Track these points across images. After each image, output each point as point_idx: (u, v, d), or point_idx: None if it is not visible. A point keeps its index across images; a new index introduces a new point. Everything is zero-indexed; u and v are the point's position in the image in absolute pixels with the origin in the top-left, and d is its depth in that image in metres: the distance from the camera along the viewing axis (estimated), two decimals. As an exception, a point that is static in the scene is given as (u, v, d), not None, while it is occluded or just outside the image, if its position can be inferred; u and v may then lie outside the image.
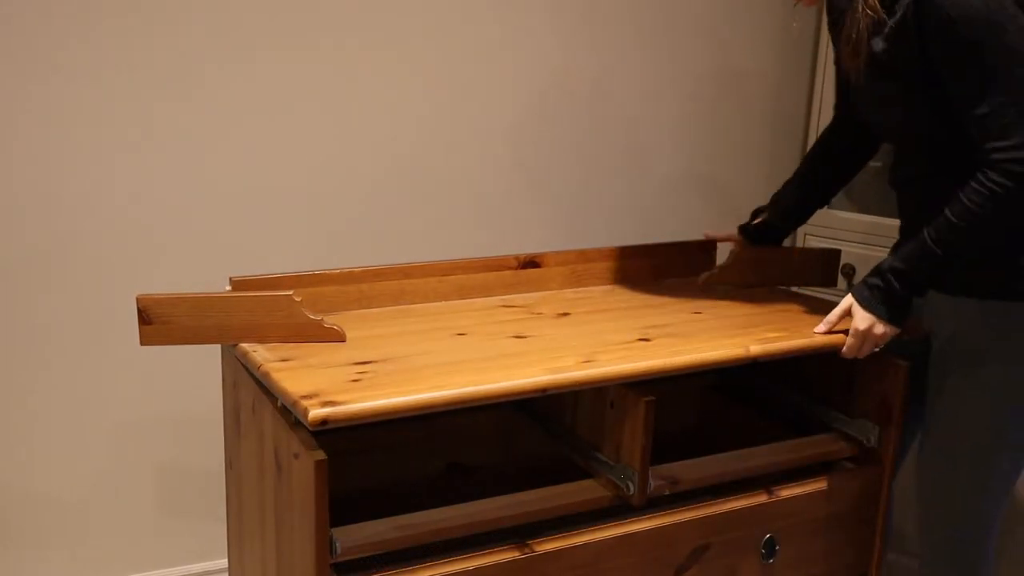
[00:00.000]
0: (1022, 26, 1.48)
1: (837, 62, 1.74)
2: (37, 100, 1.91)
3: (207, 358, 1.74)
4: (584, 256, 1.88)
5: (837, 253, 1.98)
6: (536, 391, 1.35)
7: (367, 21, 2.16)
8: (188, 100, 2.03)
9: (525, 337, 1.55)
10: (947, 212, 1.54)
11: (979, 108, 1.50)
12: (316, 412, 1.21)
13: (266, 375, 1.36)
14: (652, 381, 1.45)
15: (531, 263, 1.82)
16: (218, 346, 1.63)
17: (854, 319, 1.60)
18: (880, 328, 1.58)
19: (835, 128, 1.94)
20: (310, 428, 1.22)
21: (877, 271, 1.60)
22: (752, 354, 1.51)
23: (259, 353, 1.45)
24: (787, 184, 1.98)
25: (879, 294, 1.59)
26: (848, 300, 1.62)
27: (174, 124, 2.03)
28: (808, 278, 1.96)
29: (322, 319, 1.50)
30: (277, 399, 1.37)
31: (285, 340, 1.49)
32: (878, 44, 1.57)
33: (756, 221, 1.98)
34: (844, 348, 1.60)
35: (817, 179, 1.95)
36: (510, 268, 1.80)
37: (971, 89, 1.51)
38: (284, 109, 2.12)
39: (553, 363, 1.41)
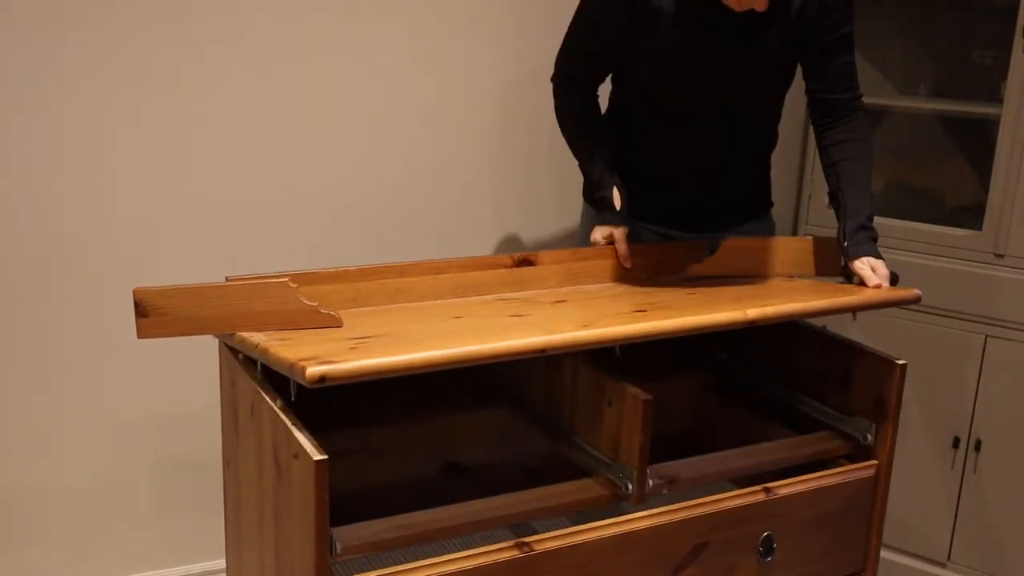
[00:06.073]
0: None
1: (614, 49, 1.90)
2: (32, 97, 1.92)
3: (206, 357, 1.74)
4: (578, 255, 1.88)
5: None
6: (534, 351, 1.34)
7: (365, 19, 2.17)
8: (185, 98, 2.03)
9: (522, 316, 1.56)
10: (860, 156, 1.89)
11: (846, 58, 1.89)
12: (314, 369, 1.20)
13: (264, 351, 1.36)
14: (650, 379, 1.45)
15: (526, 262, 1.82)
16: (216, 344, 1.63)
17: (879, 269, 1.77)
18: None
19: (592, 95, 2.02)
20: (308, 385, 1.21)
21: (865, 227, 1.83)
22: (750, 317, 1.51)
23: (256, 336, 1.45)
24: (600, 157, 1.98)
25: (874, 242, 1.82)
26: (867, 260, 1.78)
27: (171, 122, 2.03)
28: (812, 267, 1.94)
29: (318, 304, 1.50)
30: (277, 398, 1.37)
31: (282, 327, 1.49)
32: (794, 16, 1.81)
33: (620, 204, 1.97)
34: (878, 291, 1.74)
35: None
36: (505, 267, 1.80)
37: (844, 42, 1.88)
38: (282, 108, 2.12)
39: (551, 328, 1.41)
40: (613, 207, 1.90)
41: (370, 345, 1.35)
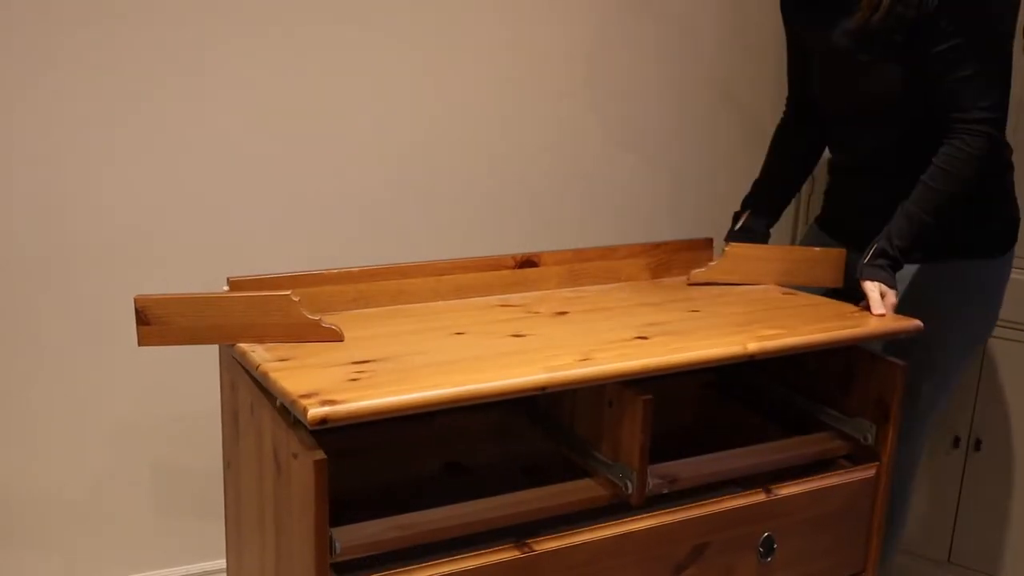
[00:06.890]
0: (1006, 1, 1.68)
1: (795, 48, 1.95)
2: (32, 97, 1.91)
3: (205, 358, 1.75)
4: (581, 255, 1.88)
5: (843, 252, 1.95)
6: (535, 389, 1.35)
7: (365, 22, 2.17)
8: (185, 101, 2.03)
9: (523, 336, 1.56)
10: (931, 183, 1.70)
11: (959, 73, 1.67)
12: (316, 411, 1.21)
13: (264, 375, 1.37)
14: (650, 379, 1.45)
15: (528, 263, 1.82)
16: (216, 346, 1.63)
17: (888, 297, 1.71)
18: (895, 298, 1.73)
19: (794, 121, 2.04)
20: (309, 427, 1.23)
21: (884, 253, 1.74)
22: (750, 351, 1.52)
23: (257, 353, 1.45)
24: (762, 185, 2.06)
25: (892, 272, 1.73)
26: (878, 285, 1.72)
27: (172, 122, 2.03)
28: (813, 277, 1.95)
29: (320, 319, 1.50)
30: (276, 399, 1.37)
31: (283, 340, 1.50)
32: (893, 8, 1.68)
33: (738, 226, 2.03)
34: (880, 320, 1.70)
35: (790, 177, 2.07)
36: (507, 268, 1.80)
37: (955, 54, 1.66)
38: (281, 110, 2.12)
39: (551, 361, 1.42)
40: (732, 226, 2.02)
41: (370, 375, 1.35)
